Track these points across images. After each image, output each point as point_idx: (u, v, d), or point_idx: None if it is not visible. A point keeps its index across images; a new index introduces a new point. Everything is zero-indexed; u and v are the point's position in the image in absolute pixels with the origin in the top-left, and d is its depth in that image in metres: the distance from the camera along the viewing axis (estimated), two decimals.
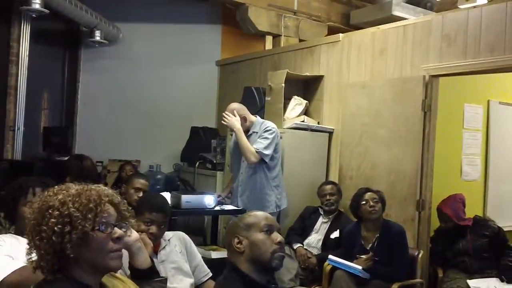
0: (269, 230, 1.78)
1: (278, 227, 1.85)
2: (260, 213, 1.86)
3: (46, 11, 4.43)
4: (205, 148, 5.27)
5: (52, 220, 1.24)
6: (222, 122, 3.75)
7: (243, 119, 3.72)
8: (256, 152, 3.59)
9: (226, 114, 3.71)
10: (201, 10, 6.06)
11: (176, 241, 2.41)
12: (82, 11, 4.91)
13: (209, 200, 3.29)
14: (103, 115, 5.55)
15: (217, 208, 3.42)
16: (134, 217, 1.49)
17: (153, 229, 2.24)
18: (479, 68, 3.42)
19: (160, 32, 5.85)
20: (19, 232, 1.95)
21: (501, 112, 4.63)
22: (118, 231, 1.31)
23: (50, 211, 1.26)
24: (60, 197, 1.28)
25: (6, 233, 2.02)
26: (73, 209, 1.25)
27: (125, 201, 1.42)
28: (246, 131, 3.72)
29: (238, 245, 1.76)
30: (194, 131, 5.54)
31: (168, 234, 2.40)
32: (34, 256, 1.29)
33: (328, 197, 3.90)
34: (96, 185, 1.38)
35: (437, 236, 3.85)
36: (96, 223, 1.26)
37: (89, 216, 1.26)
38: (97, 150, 5.22)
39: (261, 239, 1.76)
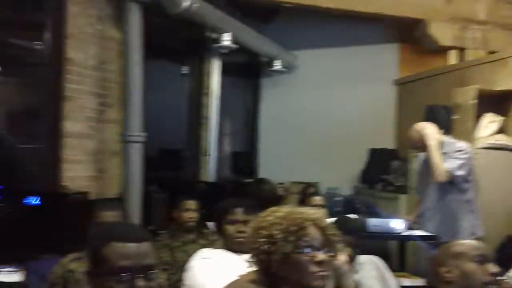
0: (482, 259, 1.65)
1: (492, 257, 1.69)
2: (470, 242, 1.78)
3: (236, 46, 4.86)
4: (385, 170, 5.13)
5: (261, 239, 1.34)
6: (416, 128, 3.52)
7: None
8: (447, 171, 3.34)
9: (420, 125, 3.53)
10: (376, 31, 5.96)
11: (370, 266, 2.37)
12: (264, 44, 5.28)
13: (397, 225, 3.14)
14: (282, 138, 5.83)
15: (406, 233, 3.26)
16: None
17: (348, 251, 2.24)
18: None
19: (334, 55, 5.93)
20: (226, 247, 2.15)
21: None
22: (320, 255, 1.34)
23: (260, 231, 1.36)
24: (270, 218, 1.38)
25: (216, 248, 2.24)
26: (277, 231, 1.33)
27: (333, 225, 1.44)
28: None
29: (447, 274, 1.66)
30: (373, 152, 5.45)
31: (361, 258, 2.38)
32: (250, 269, 1.40)
33: None
34: (305, 208, 1.45)
35: None
36: (297, 246, 1.31)
37: (291, 238, 1.31)
38: (279, 172, 5.46)
39: (473, 269, 1.64)
